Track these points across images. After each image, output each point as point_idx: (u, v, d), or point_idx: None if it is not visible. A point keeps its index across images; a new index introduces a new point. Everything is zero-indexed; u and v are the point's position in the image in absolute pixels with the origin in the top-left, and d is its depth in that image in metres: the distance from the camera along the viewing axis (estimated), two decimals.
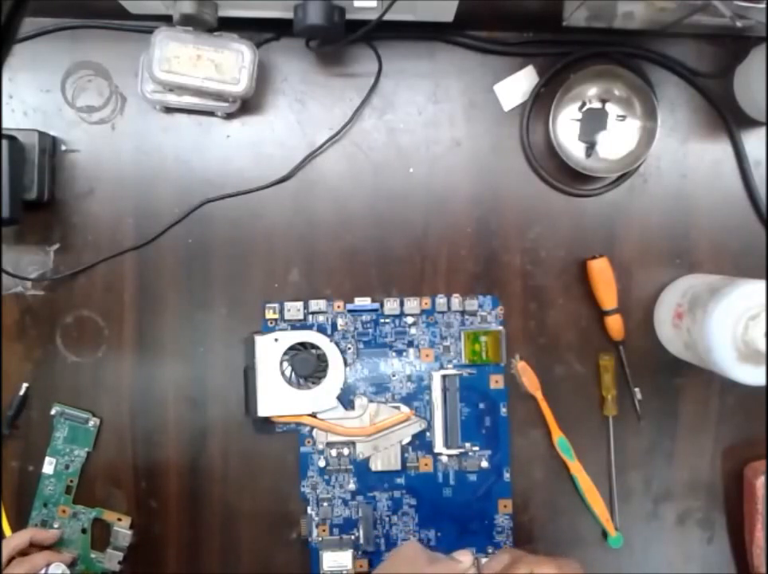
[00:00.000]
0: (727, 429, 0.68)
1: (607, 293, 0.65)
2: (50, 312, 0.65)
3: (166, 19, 0.60)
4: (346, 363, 0.65)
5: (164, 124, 0.65)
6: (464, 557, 0.53)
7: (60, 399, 0.65)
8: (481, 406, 0.66)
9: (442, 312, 0.66)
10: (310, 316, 0.65)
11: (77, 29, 0.64)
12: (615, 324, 0.66)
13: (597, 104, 0.66)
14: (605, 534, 0.67)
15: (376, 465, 0.65)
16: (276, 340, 0.64)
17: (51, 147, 0.63)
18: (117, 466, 0.65)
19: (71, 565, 0.63)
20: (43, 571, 0.60)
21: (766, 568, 0.64)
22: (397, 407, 0.65)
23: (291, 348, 0.64)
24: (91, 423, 0.64)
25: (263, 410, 0.64)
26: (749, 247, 0.67)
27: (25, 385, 0.64)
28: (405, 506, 0.66)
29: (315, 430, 0.65)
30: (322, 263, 0.66)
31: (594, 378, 0.67)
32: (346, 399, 0.65)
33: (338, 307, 0.65)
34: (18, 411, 0.64)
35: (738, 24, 0.56)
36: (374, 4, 0.58)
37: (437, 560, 0.53)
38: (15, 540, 0.61)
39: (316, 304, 0.65)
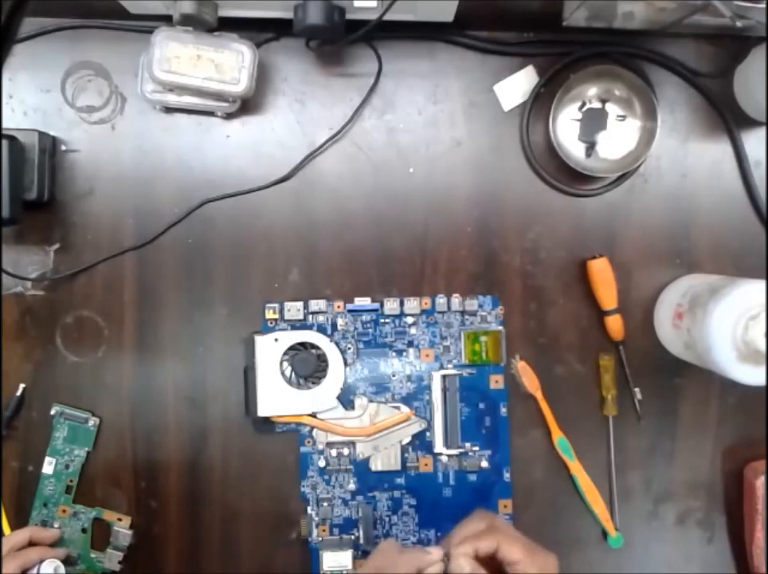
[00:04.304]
0: (727, 429, 0.68)
1: (607, 293, 0.65)
2: (50, 312, 0.65)
3: (166, 19, 0.60)
4: (346, 363, 0.65)
5: (164, 124, 0.65)
6: (434, 550, 0.54)
7: (60, 399, 0.65)
8: (481, 406, 0.66)
9: (442, 312, 0.66)
10: (310, 316, 0.65)
11: (77, 29, 0.64)
12: (615, 324, 0.66)
13: (597, 104, 0.66)
14: (605, 534, 0.67)
15: (376, 465, 0.65)
16: (276, 340, 0.64)
17: (51, 147, 0.63)
18: (117, 466, 0.65)
19: (65, 561, 0.63)
20: (35, 570, 0.60)
21: (767, 568, 0.65)
22: (397, 407, 0.65)
23: (291, 348, 0.64)
24: (91, 423, 0.64)
25: (263, 410, 0.64)
26: (749, 247, 0.67)
27: (21, 386, 0.64)
28: (405, 506, 0.66)
29: (315, 430, 0.65)
30: (322, 263, 0.66)
31: (594, 378, 0.67)
32: (346, 399, 0.65)
33: (338, 307, 0.65)
34: (15, 412, 0.64)
35: (738, 24, 0.56)
36: (374, 4, 0.58)
37: (408, 551, 0.56)
38: (14, 538, 0.61)
39: (316, 304, 0.65)
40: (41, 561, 0.61)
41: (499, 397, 0.66)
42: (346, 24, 0.59)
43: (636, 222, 0.67)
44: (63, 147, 0.64)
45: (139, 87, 0.62)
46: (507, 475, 0.66)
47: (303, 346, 0.65)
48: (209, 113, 0.65)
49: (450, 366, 0.66)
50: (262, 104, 0.65)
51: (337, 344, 0.65)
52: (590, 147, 0.66)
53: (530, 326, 0.67)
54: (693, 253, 0.67)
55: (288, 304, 0.65)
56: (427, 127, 0.66)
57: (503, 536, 0.52)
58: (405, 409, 0.65)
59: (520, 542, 0.53)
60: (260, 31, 0.64)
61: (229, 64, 0.59)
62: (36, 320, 0.65)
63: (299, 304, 0.65)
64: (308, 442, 0.65)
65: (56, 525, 0.64)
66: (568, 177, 0.66)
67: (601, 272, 0.65)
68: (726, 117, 0.67)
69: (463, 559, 0.51)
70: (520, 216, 0.67)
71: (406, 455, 0.65)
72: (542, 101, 0.66)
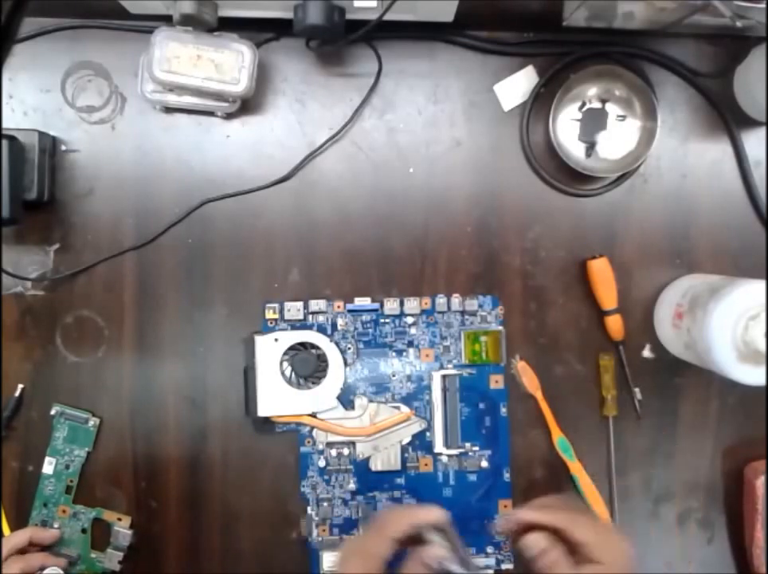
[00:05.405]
0: (727, 429, 0.68)
1: (607, 293, 0.65)
2: (50, 312, 0.65)
3: (166, 19, 0.60)
4: (346, 363, 0.65)
5: (164, 124, 0.65)
6: (436, 509, 0.51)
7: (60, 399, 0.65)
8: (481, 406, 0.66)
9: (442, 312, 0.66)
10: (310, 316, 0.65)
11: (77, 29, 0.64)
12: (615, 324, 0.66)
13: (597, 104, 0.66)
14: None
15: (376, 465, 0.65)
16: (276, 340, 0.64)
17: (51, 147, 0.63)
18: (117, 466, 0.65)
19: (67, 567, 0.63)
20: None
21: (767, 568, 0.64)
22: (397, 407, 0.65)
23: (291, 348, 0.64)
24: (91, 423, 0.64)
25: (263, 410, 0.64)
26: (749, 247, 0.67)
27: (20, 386, 0.64)
28: None
29: (315, 430, 0.65)
30: (322, 263, 0.66)
31: (594, 378, 0.67)
32: (346, 399, 0.65)
33: (338, 307, 0.65)
34: (14, 413, 0.64)
35: (738, 24, 0.56)
36: (374, 4, 0.58)
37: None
38: (14, 538, 0.61)
39: (316, 304, 0.65)
40: (43, 568, 0.61)
41: (499, 397, 0.66)
42: (346, 24, 0.59)
43: (636, 222, 0.67)
44: (63, 147, 0.64)
45: (139, 87, 0.62)
46: (507, 475, 0.66)
47: (303, 346, 0.65)
48: (209, 113, 0.65)
49: (450, 366, 0.66)
50: (262, 104, 0.65)
51: (337, 343, 0.65)
52: (590, 147, 0.66)
53: (530, 326, 0.67)
54: (693, 253, 0.67)
55: (287, 304, 0.65)
56: (427, 127, 0.66)
57: (576, 516, 0.51)
58: (405, 409, 0.65)
59: (594, 524, 0.51)
60: (260, 31, 0.64)
61: (229, 64, 0.59)
62: (36, 320, 0.65)
63: (299, 304, 0.65)
64: (308, 442, 0.65)
65: (56, 525, 0.64)
66: (568, 177, 0.66)
67: (601, 272, 0.65)
68: (726, 117, 0.67)
69: (538, 534, 0.49)
70: (520, 216, 0.67)
71: (406, 455, 0.65)
72: (542, 101, 0.66)
